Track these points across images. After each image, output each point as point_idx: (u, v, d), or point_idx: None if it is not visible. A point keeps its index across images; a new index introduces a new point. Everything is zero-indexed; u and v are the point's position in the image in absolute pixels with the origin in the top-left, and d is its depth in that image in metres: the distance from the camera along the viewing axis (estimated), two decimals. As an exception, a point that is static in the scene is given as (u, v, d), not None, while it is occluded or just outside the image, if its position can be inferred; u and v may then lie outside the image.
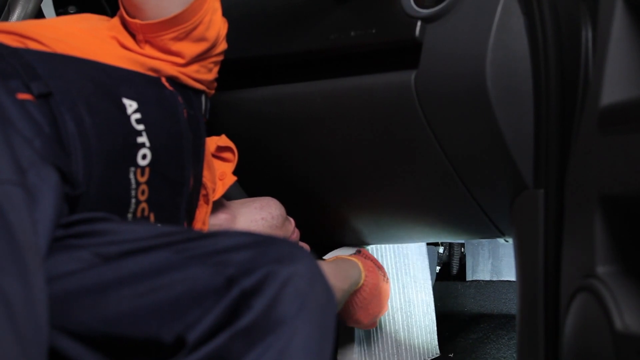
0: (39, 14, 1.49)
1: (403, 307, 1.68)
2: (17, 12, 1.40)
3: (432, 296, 1.76)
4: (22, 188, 0.77)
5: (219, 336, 0.75)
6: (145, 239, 0.84)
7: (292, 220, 1.39)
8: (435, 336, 1.73)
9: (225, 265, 0.78)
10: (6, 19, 1.39)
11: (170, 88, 1.10)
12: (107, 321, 0.79)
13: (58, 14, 1.59)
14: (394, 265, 1.69)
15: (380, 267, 1.49)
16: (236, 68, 1.38)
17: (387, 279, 1.48)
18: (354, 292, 1.39)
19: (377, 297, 1.44)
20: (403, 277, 1.70)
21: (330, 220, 1.52)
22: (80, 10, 1.56)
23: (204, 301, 0.77)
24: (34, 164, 0.82)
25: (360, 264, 1.39)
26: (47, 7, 1.60)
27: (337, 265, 1.36)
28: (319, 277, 0.80)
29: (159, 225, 1.04)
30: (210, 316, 0.76)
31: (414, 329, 1.69)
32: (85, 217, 0.89)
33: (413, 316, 1.69)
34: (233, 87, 1.39)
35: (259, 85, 1.37)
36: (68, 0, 1.57)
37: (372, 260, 1.49)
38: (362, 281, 1.38)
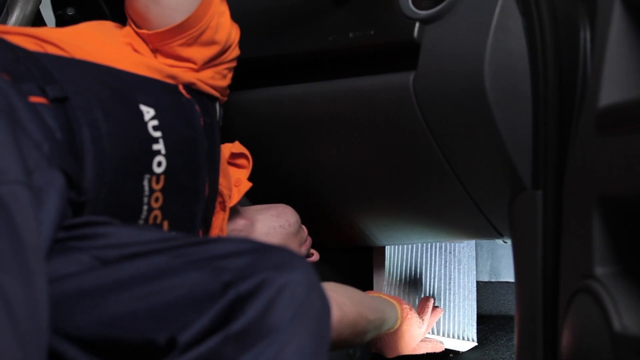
0: (37, 15, 1.49)
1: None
2: (15, 14, 1.40)
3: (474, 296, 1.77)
4: (29, 189, 0.77)
5: (211, 339, 0.75)
6: (144, 243, 0.84)
7: (304, 227, 1.39)
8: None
9: (222, 270, 0.78)
10: (4, 20, 1.39)
11: (187, 96, 1.10)
12: (104, 324, 0.79)
13: (57, 15, 1.59)
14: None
15: (421, 312, 1.53)
16: (235, 70, 1.38)
17: (422, 322, 1.50)
18: (387, 332, 1.40)
19: (408, 342, 1.46)
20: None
21: (327, 221, 1.52)
22: (79, 11, 1.55)
23: (200, 305, 0.77)
24: (40, 166, 0.82)
25: (398, 307, 1.39)
26: (46, 9, 1.60)
27: (374, 299, 1.36)
28: (316, 287, 0.79)
29: (160, 230, 1.04)
30: (204, 318, 0.76)
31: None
32: (87, 220, 0.89)
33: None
34: (232, 89, 1.39)
35: (258, 87, 1.37)
36: (66, 2, 1.56)
37: (419, 307, 1.54)
38: (397, 325, 1.39)
